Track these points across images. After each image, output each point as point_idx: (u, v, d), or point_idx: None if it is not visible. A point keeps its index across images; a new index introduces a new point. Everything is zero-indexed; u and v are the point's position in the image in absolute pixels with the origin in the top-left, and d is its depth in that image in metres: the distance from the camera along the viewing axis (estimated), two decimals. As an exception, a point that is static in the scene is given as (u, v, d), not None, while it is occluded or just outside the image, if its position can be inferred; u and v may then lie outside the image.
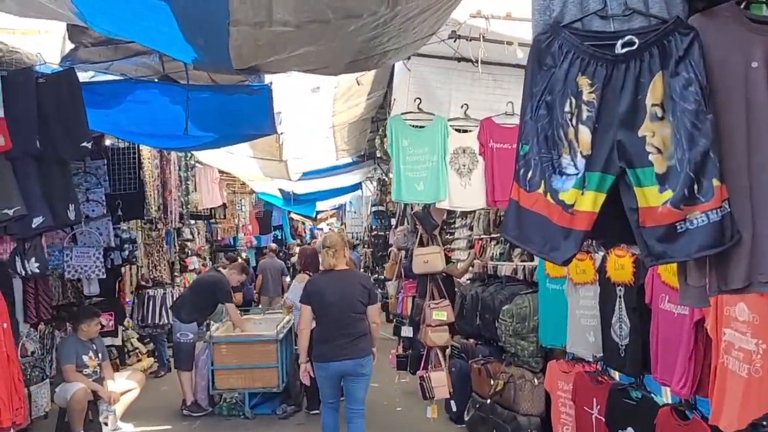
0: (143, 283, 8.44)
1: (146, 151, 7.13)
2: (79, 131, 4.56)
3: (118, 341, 7.27)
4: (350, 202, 19.82)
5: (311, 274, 6.35)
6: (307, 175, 11.44)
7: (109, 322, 7.09)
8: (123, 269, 7.50)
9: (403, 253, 6.97)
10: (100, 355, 6.18)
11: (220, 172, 11.73)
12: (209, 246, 15.62)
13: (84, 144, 4.59)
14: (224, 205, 13.57)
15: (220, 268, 7.37)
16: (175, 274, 12.42)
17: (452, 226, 9.69)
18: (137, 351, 9.55)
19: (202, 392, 6.79)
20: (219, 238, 16.65)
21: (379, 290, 14.00)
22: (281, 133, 7.05)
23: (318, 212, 21.84)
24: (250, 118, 5.67)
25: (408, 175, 5.02)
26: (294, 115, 6.87)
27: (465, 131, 5.12)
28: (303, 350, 5.19)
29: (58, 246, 6.60)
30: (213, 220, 15.77)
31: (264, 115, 5.61)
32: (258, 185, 14.21)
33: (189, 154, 8.61)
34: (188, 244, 12.80)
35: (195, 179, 10.58)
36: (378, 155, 7.92)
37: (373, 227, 11.61)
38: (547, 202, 1.93)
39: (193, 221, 13.97)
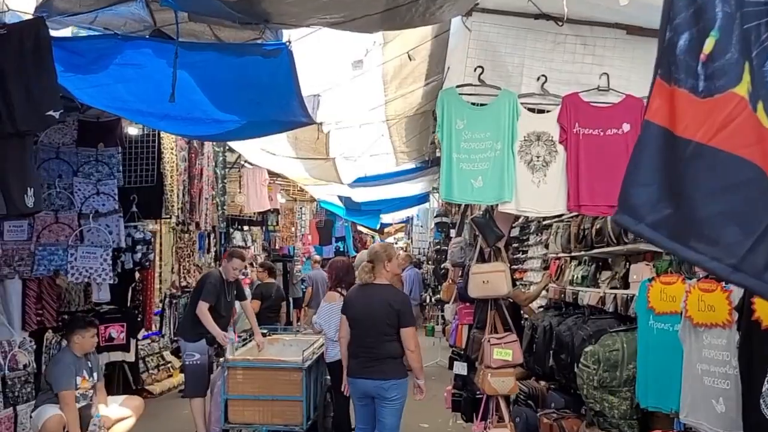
0: (172, 290, 7.53)
1: (168, 140, 6.22)
2: (45, 97, 3.63)
3: (130, 357, 6.34)
4: (417, 216, 18.62)
5: (342, 292, 5.26)
6: (362, 181, 10.35)
7: (120, 334, 6.18)
8: (141, 273, 6.58)
9: (459, 270, 5.73)
10: (94, 374, 5.24)
11: (271, 174, 10.82)
12: (266, 255, 14.81)
13: (50, 113, 3.66)
14: (276, 212, 12.65)
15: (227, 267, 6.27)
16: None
17: (525, 243, 8.35)
18: (170, 365, 8.69)
19: (216, 424, 5.73)
20: (277, 246, 15.86)
21: (440, 312, 12.79)
22: (321, 123, 5.97)
23: (384, 225, 20.74)
24: (272, 91, 4.63)
25: (462, 168, 3.82)
26: (336, 100, 5.77)
27: (541, 111, 3.87)
28: (344, 358, 4.75)
29: (62, 244, 5.74)
30: (271, 228, 15.02)
31: (288, 88, 4.55)
32: (316, 191, 13.27)
33: (225, 146, 7.69)
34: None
35: (241, 180, 9.69)
36: (438, 153, 6.72)
37: (436, 241, 10.36)
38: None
39: (246, 227, 13.22)
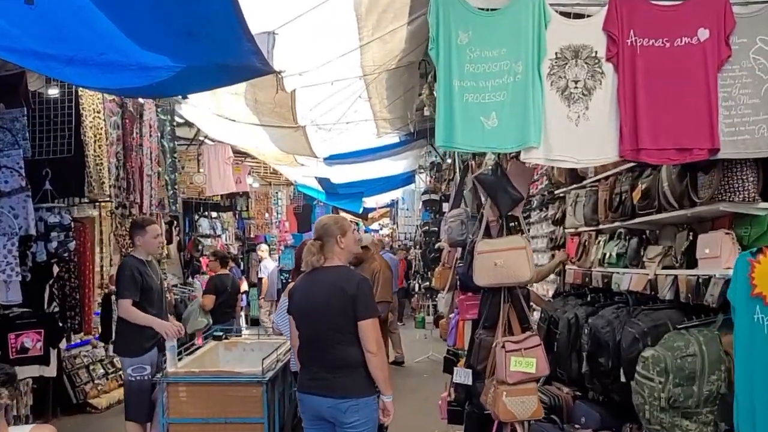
0: (111, 286, 6.30)
1: (91, 99, 4.97)
2: None
3: (50, 371, 5.11)
4: (402, 198, 17.46)
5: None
6: (338, 158, 9.17)
7: (36, 343, 4.96)
8: (60, 266, 5.33)
9: (458, 252, 4.58)
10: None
11: (238, 154, 9.59)
12: (240, 244, 13.58)
13: None
14: (246, 195, 11.43)
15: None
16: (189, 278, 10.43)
17: (525, 221, 7.19)
18: (120, 372, 7.44)
19: (158, 453, 4.55)
20: (252, 235, 14.64)
21: (430, 301, 11.65)
22: (280, 72, 4.76)
23: (367, 210, 19.55)
24: (208, 18, 3.46)
25: (468, 101, 2.65)
26: (297, 40, 4.57)
27: (580, 16, 2.71)
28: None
29: (-47, 233, 4.51)
30: (244, 214, 13.79)
31: (229, 15, 3.39)
32: (291, 173, 12.06)
33: (170, 109, 6.44)
34: (202, 240, 10.73)
35: (200, 158, 8.45)
36: (427, 113, 5.55)
37: (424, 222, 9.21)
38: None
39: (215, 213, 11.98)
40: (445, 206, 6.13)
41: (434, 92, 5.16)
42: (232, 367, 4.71)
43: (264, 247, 12.19)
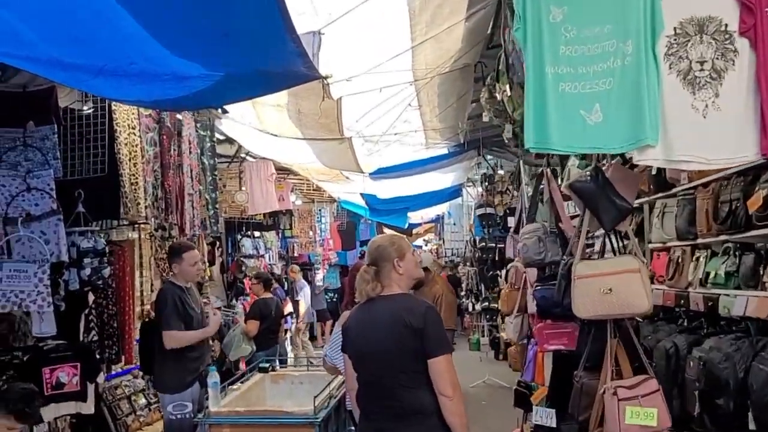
0: (146, 317, 5.96)
1: (125, 114, 4.63)
2: None
3: (88, 408, 4.74)
4: (449, 213, 16.92)
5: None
6: (384, 172, 8.72)
7: (72, 378, 4.59)
8: (97, 294, 4.97)
9: (532, 273, 4.04)
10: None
11: (280, 170, 9.23)
12: (284, 264, 13.22)
13: None
14: (290, 213, 11.06)
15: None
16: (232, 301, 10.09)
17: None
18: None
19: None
20: (296, 254, 14.30)
21: (486, 322, 10.98)
22: (327, 77, 4.34)
23: (412, 225, 19.04)
24: (247, 17, 3.06)
25: (564, 91, 2.16)
26: (345, 41, 4.15)
27: (703, -19, 2.20)
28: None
29: (-17, 261, 4.19)
30: (287, 233, 13.46)
31: (271, 12, 2.99)
32: (335, 189, 11.67)
33: (209, 130, 6.09)
34: (246, 261, 10.39)
35: (242, 176, 8.11)
36: (486, 117, 5.04)
37: (478, 238, 8.67)
38: None
39: (257, 233, 11.65)
40: (510, 220, 5.60)
41: (495, 94, 4.67)
42: (281, 403, 4.26)
43: (296, 267, 11.80)
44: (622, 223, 2.58)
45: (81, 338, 4.72)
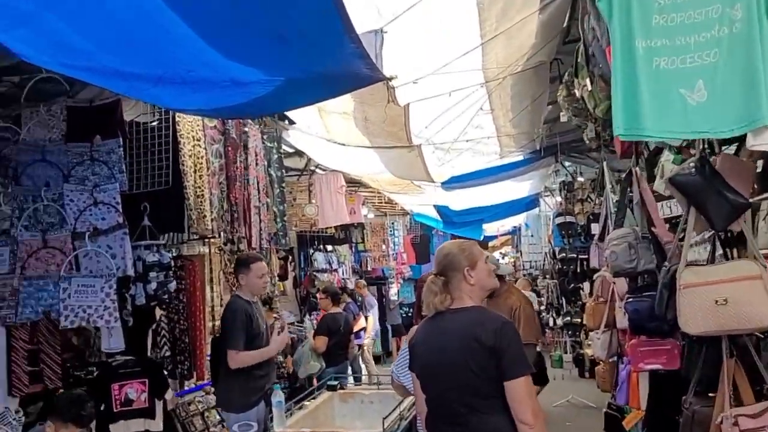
0: (217, 333, 5.87)
1: (189, 125, 4.56)
2: None
3: (156, 425, 4.67)
4: (526, 224, 16.39)
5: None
6: (456, 181, 8.42)
7: (141, 394, 4.53)
8: (164, 309, 4.91)
9: (621, 284, 3.66)
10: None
11: (350, 183, 9.10)
12: (358, 278, 13.08)
13: None
14: (361, 226, 10.90)
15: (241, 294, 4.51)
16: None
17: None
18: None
19: None
20: (369, 268, 14.16)
21: (569, 337, 10.39)
22: (391, 79, 4.11)
23: (488, 237, 18.56)
24: (305, 17, 2.88)
25: (660, 67, 1.86)
26: (409, 43, 3.92)
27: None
28: None
29: (53, 275, 4.19)
30: (360, 247, 13.34)
31: (329, 11, 2.79)
32: (407, 202, 11.46)
33: (276, 141, 5.99)
34: (318, 275, 10.30)
35: (312, 188, 8.01)
36: (564, 118, 4.68)
37: (558, 249, 8.22)
38: None
39: (330, 247, 11.57)
40: (594, 227, 5.19)
41: (573, 91, 4.33)
42: (350, 424, 4.04)
43: (362, 282, 11.61)
44: (737, 221, 2.20)
45: (149, 354, 4.66)
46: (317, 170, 8.39)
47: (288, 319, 9.15)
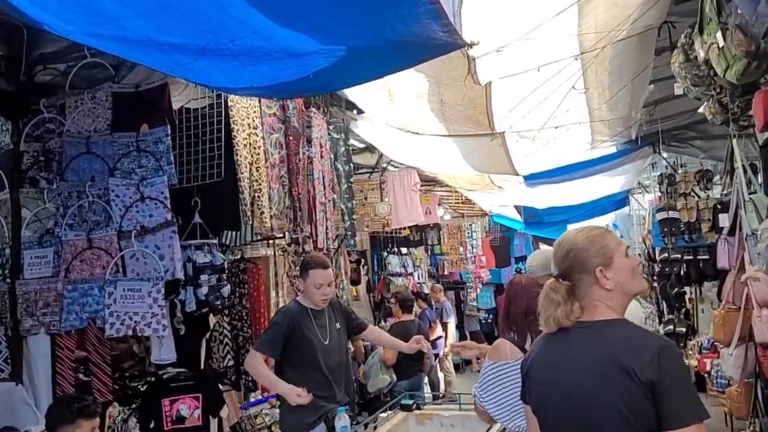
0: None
1: (243, 109, 4.09)
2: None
3: (211, 445, 4.22)
4: (614, 225, 15.25)
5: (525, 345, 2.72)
6: (542, 177, 7.68)
7: (194, 411, 4.08)
8: (219, 316, 4.46)
9: (760, 288, 2.88)
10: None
11: (423, 181, 8.49)
12: (434, 281, 12.43)
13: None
14: (438, 227, 10.27)
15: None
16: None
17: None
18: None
19: None
20: (446, 272, 13.51)
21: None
22: (473, 44, 3.48)
23: (572, 240, 17.48)
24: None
25: None
26: (493, 3, 3.28)
27: None
28: None
29: (98, 279, 3.82)
30: (436, 250, 12.73)
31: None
32: (485, 200, 10.74)
33: (343, 133, 5.45)
34: (393, 279, 9.75)
35: (384, 186, 7.46)
36: (679, 90, 3.91)
37: (658, 249, 7.32)
38: None
39: (404, 250, 11.00)
40: (722, 219, 4.37)
41: (693, 56, 3.57)
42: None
43: (437, 286, 10.90)
44: None
45: (202, 366, 4.21)
46: (390, 167, 7.84)
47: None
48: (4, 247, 3.90)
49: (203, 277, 3.81)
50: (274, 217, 4.35)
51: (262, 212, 4.21)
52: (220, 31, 2.72)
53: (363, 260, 9.42)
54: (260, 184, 4.20)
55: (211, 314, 4.09)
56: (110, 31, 2.72)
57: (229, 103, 3.95)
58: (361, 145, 7.32)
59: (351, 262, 8.82)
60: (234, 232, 5.11)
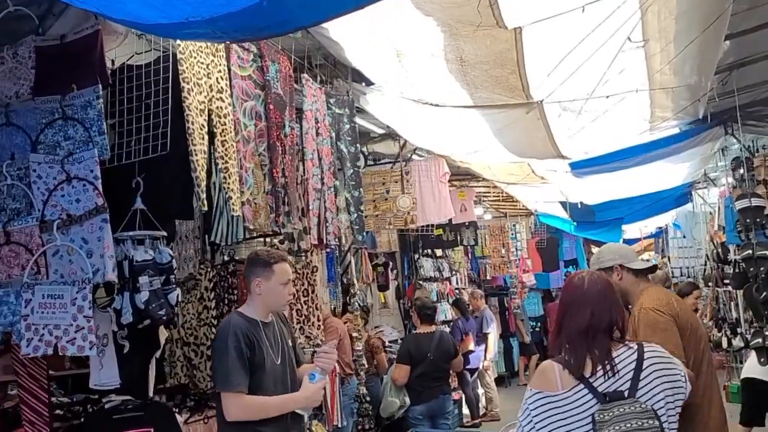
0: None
1: (198, 63, 3.20)
2: None
3: (168, 492, 3.33)
4: (675, 225, 13.89)
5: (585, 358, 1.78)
6: (591, 164, 6.59)
7: (145, 447, 3.20)
8: (170, 329, 3.56)
9: None
10: None
11: (458, 175, 7.51)
12: (476, 287, 11.38)
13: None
14: (474, 226, 9.23)
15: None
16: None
17: None
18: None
19: None
20: (488, 277, 12.45)
21: (739, 364, 8.03)
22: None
23: (628, 241, 16.12)
24: None
25: None
26: None
27: None
28: None
29: (16, 282, 2.99)
30: (477, 253, 11.71)
31: None
32: (529, 196, 9.63)
33: (347, 108, 4.50)
34: (425, 285, 8.76)
35: (407, 177, 6.49)
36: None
37: (734, 247, 6.14)
38: None
39: (439, 252, 10.00)
40: None
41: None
42: None
43: (478, 292, 9.81)
44: None
45: (151, 393, 3.32)
46: (415, 156, 6.89)
47: (389, 336, 7.68)
48: None
49: (143, 280, 2.93)
50: (248, 203, 3.46)
51: (230, 196, 3.32)
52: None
53: (391, 263, 8.49)
54: (227, 162, 3.31)
55: (161, 328, 3.20)
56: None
57: (179, 56, 3.07)
58: (381, 131, 6.41)
59: (378, 265, 7.91)
60: (225, 229, 4.25)
